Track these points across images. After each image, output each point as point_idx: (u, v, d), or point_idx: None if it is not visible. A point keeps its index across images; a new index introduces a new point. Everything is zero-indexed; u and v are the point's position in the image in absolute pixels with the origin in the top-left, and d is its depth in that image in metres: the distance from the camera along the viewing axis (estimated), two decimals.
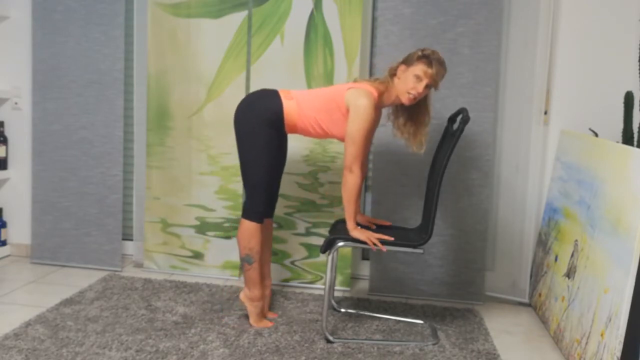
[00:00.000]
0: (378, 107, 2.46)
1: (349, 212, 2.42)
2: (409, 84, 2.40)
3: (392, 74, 2.47)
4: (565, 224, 2.69)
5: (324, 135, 2.52)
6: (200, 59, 3.17)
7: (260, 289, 2.60)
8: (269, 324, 2.60)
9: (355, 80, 2.56)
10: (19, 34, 3.40)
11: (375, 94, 2.43)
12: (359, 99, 2.37)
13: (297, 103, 2.48)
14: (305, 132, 2.54)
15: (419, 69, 2.38)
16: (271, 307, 2.81)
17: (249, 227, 2.51)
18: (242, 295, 2.61)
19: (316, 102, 2.47)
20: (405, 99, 2.42)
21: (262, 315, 2.63)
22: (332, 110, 2.45)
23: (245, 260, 2.54)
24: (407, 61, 2.43)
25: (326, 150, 3.13)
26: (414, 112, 2.53)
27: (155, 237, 3.31)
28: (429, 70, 2.37)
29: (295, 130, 2.53)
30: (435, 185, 2.43)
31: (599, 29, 2.96)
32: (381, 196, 3.07)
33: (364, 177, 2.73)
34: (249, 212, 2.52)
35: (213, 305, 2.80)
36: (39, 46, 3.30)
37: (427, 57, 2.38)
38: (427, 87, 2.41)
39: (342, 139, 2.49)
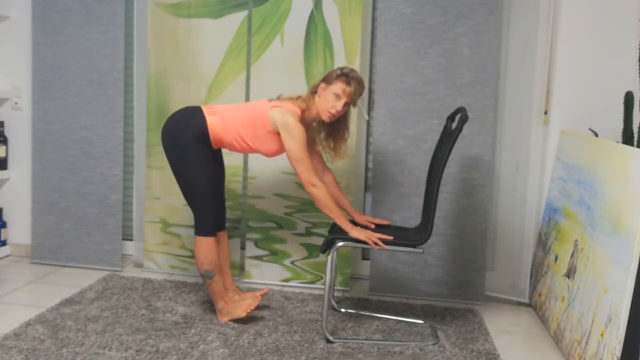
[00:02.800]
0: (302, 124, 2.51)
1: (336, 218, 2.45)
2: (328, 102, 2.48)
3: (313, 91, 2.55)
4: (565, 224, 2.69)
5: (250, 150, 2.57)
6: (200, 59, 3.17)
7: (224, 296, 2.63)
8: (257, 300, 2.58)
9: (278, 98, 2.60)
10: (19, 34, 3.41)
11: (298, 111, 2.50)
12: (284, 118, 2.44)
13: (220, 118, 2.52)
14: (231, 147, 2.58)
15: (338, 87, 2.46)
16: (271, 307, 2.82)
17: (204, 243, 2.55)
18: (218, 317, 2.62)
19: (240, 118, 2.52)
20: (325, 117, 2.50)
21: (242, 301, 2.63)
22: (256, 127, 2.50)
23: (205, 276, 2.57)
24: (327, 79, 2.51)
25: None
26: (333, 127, 2.62)
27: (155, 237, 3.31)
28: (347, 89, 2.46)
29: (222, 144, 2.57)
30: (434, 184, 2.43)
31: (599, 29, 2.96)
32: (381, 196, 3.07)
33: (333, 179, 2.77)
34: (199, 228, 2.55)
35: (213, 305, 2.80)
36: (39, 46, 3.30)
37: (346, 76, 2.47)
38: (346, 104, 2.49)
39: (267, 155, 2.57)
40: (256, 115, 2.50)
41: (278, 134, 2.47)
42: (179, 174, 2.53)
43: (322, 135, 2.65)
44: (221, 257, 2.70)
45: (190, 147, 2.49)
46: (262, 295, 2.68)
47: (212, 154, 2.57)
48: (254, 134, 2.51)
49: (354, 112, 2.83)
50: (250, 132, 2.51)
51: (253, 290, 3.06)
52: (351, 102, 2.49)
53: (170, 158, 2.53)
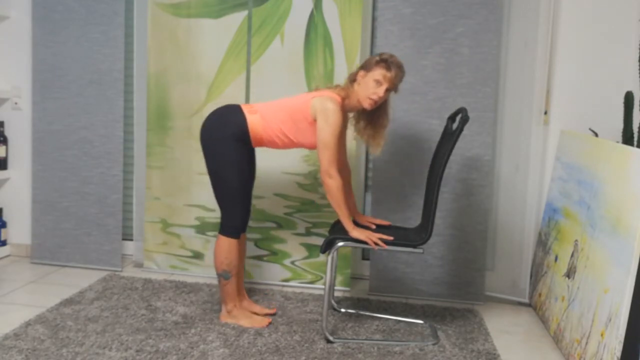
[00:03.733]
0: (342, 112, 2.49)
1: (342, 215, 2.44)
2: (369, 88, 2.43)
3: (352, 79, 2.51)
4: (565, 224, 2.69)
5: (292, 145, 2.54)
6: (200, 59, 3.17)
7: (236, 299, 2.62)
8: (266, 321, 2.60)
9: (317, 88, 2.59)
10: (19, 34, 3.41)
11: (339, 99, 2.46)
12: (325, 104, 2.40)
13: (261, 116, 2.50)
14: (271, 144, 2.55)
15: (379, 73, 2.42)
16: (271, 307, 2.81)
17: (227, 243, 2.53)
18: (222, 318, 2.62)
19: (281, 114, 2.50)
20: (366, 104, 2.46)
21: (251, 313, 2.64)
22: (298, 120, 2.47)
23: (222, 276, 2.56)
24: (366, 66, 2.47)
25: None
26: (373, 115, 2.57)
27: (155, 237, 3.31)
28: (388, 74, 2.41)
29: (262, 143, 2.55)
30: (434, 185, 2.43)
31: (599, 29, 2.96)
32: (381, 196, 3.07)
33: (349, 178, 2.75)
34: (226, 228, 2.54)
35: (213, 305, 2.81)
36: (39, 46, 3.30)
37: (386, 61, 2.42)
38: (387, 90, 2.45)
39: (310, 148, 2.53)
40: (297, 108, 2.47)
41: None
42: (213, 173, 2.50)
43: (362, 124, 2.60)
44: (239, 259, 2.67)
45: (228, 146, 2.46)
46: (270, 315, 2.68)
47: (248, 155, 2.55)
48: (296, 127, 2.48)
49: None
50: (292, 126, 2.48)
51: (254, 290, 3.06)
52: (392, 87, 2.45)
53: (207, 156, 2.50)
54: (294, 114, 2.47)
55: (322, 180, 2.42)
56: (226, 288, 2.58)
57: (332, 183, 2.40)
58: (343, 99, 2.49)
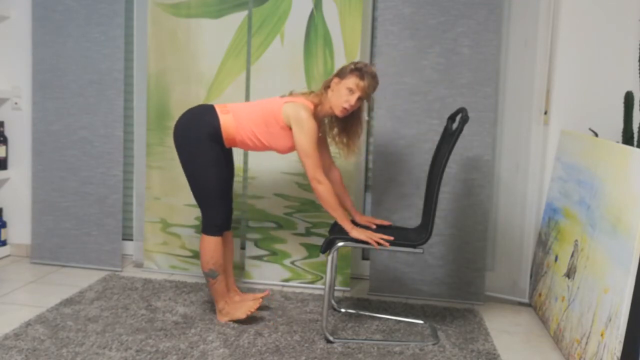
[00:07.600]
0: (314, 119, 2.50)
1: (338, 217, 2.45)
2: (342, 96, 2.45)
3: (326, 86, 2.53)
4: (565, 224, 2.69)
5: (263, 148, 2.55)
6: (200, 59, 3.17)
7: (226, 296, 2.63)
8: (259, 298, 2.62)
9: (291, 93, 2.60)
10: (19, 34, 3.41)
11: (311, 106, 2.48)
12: (298, 112, 2.42)
13: (233, 116, 2.51)
14: (244, 146, 2.56)
15: (352, 81, 2.44)
16: (271, 307, 2.81)
17: (210, 242, 2.54)
18: (218, 317, 2.62)
19: (253, 115, 2.51)
20: (338, 111, 2.48)
21: (243, 302, 2.63)
22: (270, 123, 2.49)
23: (209, 275, 2.56)
24: (341, 74, 2.49)
25: None
26: (347, 123, 2.60)
27: (155, 237, 3.31)
28: (361, 83, 2.43)
29: (234, 143, 2.56)
30: (434, 185, 2.43)
31: (599, 29, 2.96)
32: (381, 196, 3.07)
33: (340, 178, 2.76)
34: (207, 227, 2.54)
35: (213, 305, 2.81)
36: (39, 46, 3.30)
37: (360, 70, 2.45)
38: (359, 99, 2.47)
39: (281, 152, 2.55)
40: (269, 111, 2.48)
41: (291, 129, 2.46)
42: (189, 172, 2.52)
43: (335, 130, 2.63)
44: (225, 257, 2.69)
45: (202, 145, 2.47)
46: (263, 297, 2.67)
47: (224, 153, 2.56)
48: (268, 130, 2.49)
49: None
50: (264, 129, 2.50)
51: (253, 290, 3.06)
52: (365, 96, 2.47)
53: (182, 156, 2.52)
54: (266, 116, 2.49)
55: (312, 188, 2.43)
56: (215, 287, 2.58)
57: (322, 188, 2.42)
58: (316, 106, 2.51)
